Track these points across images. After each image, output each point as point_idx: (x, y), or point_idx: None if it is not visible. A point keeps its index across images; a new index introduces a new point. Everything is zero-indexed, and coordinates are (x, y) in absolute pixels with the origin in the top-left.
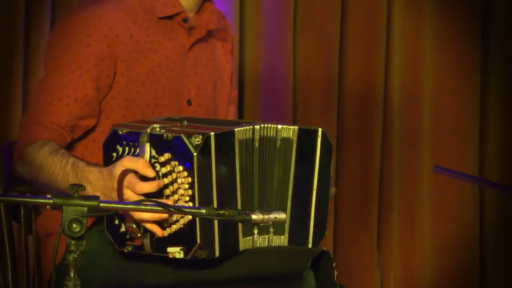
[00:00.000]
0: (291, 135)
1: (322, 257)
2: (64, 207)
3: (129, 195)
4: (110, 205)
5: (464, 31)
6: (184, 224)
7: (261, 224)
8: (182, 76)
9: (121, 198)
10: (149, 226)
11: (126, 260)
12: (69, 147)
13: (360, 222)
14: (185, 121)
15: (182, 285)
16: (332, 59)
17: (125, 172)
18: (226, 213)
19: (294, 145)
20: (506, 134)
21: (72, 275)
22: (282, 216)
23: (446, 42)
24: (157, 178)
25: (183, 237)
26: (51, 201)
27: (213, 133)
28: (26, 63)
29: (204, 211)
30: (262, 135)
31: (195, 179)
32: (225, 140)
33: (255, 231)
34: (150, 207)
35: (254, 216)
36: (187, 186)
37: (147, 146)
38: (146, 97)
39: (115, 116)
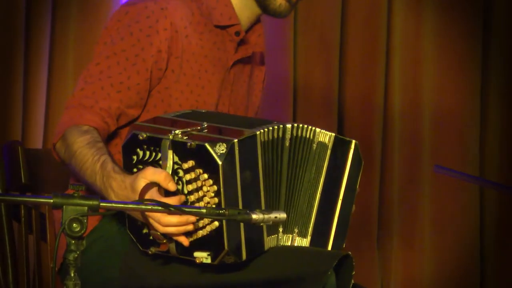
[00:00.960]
0: (327, 141)
1: (345, 261)
2: (64, 206)
3: (152, 214)
4: (110, 204)
5: (464, 31)
6: (211, 230)
7: (261, 224)
8: (221, 89)
9: (144, 214)
10: (175, 237)
11: (142, 257)
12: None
13: (361, 221)
14: (205, 122)
15: (203, 285)
16: (333, 60)
17: (147, 187)
18: (227, 212)
19: (328, 152)
20: (506, 134)
21: (72, 275)
22: (282, 215)
23: (446, 43)
24: (181, 184)
25: (210, 243)
26: (51, 201)
27: (236, 140)
28: (26, 63)
29: (204, 211)
30: (295, 135)
31: (221, 188)
32: (248, 144)
33: (280, 229)
34: (150, 207)
35: (254, 216)
36: (212, 194)
37: (170, 153)
38: (189, 98)
39: (156, 111)
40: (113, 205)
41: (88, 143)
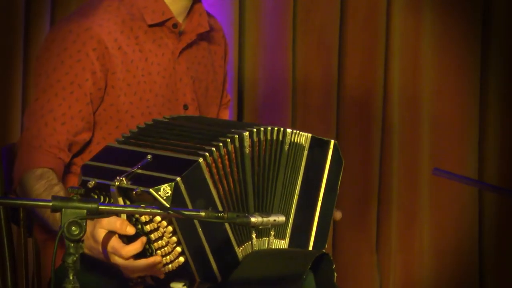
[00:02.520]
0: (303, 141)
1: (323, 260)
2: (63, 209)
3: (117, 260)
4: (109, 207)
5: (464, 32)
6: (178, 267)
7: (260, 227)
8: (175, 82)
9: (110, 262)
10: (140, 274)
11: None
12: (68, 162)
13: (360, 224)
14: (149, 155)
15: None
16: (332, 61)
17: (108, 236)
18: (225, 215)
19: (305, 152)
20: (506, 136)
21: (71, 278)
22: (281, 218)
23: (446, 44)
24: (139, 224)
25: (183, 273)
26: (51, 204)
27: (179, 178)
28: (26, 65)
29: (203, 214)
30: (256, 139)
31: (176, 226)
32: (193, 176)
33: (253, 236)
34: (149, 210)
35: (253, 219)
36: (170, 234)
37: (120, 200)
38: (139, 106)
39: (108, 127)
40: (112, 208)
41: (45, 190)
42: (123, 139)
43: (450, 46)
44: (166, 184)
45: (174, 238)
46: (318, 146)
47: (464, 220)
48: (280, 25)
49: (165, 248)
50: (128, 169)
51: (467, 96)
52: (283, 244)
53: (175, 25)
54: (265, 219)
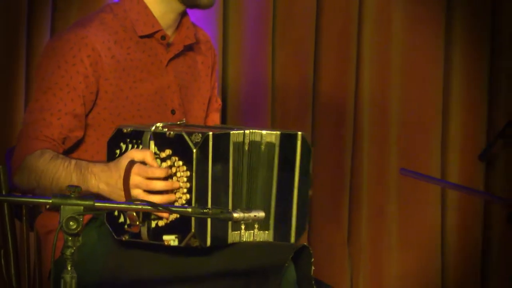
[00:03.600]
0: (273, 139)
1: (303, 252)
2: (62, 206)
3: (137, 181)
4: (104, 204)
5: (428, 44)
6: (177, 217)
7: (242, 222)
8: (163, 89)
9: (126, 186)
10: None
11: (122, 254)
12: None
13: (332, 219)
14: (184, 122)
15: (174, 276)
16: (307, 70)
17: (132, 163)
18: (210, 211)
19: (277, 149)
20: (466, 137)
21: (69, 268)
22: (261, 214)
23: (411, 54)
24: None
25: (179, 227)
26: (50, 201)
27: (211, 133)
28: (28, 68)
29: (190, 210)
30: (250, 140)
31: (193, 173)
32: (222, 141)
33: (242, 227)
34: (140, 206)
35: (235, 215)
36: (185, 179)
37: (151, 144)
38: (131, 110)
39: (102, 129)
40: (107, 205)
41: (51, 158)
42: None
43: (415, 57)
44: (198, 133)
45: (188, 184)
46: (287, 140)
47: (428, 216)
48: (261, 37)
49: (176, 195)
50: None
51: (430, 102)
52: (267, 234)
53: (163, 37)
54: (246, 214)
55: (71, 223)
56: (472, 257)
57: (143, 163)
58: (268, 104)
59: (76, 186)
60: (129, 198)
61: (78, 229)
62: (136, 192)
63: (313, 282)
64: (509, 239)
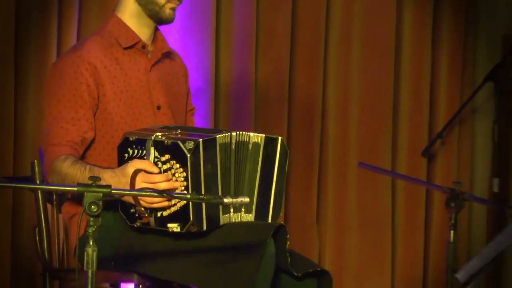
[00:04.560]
0: (259, 141)
1: (280, 230)
2: (85, 193)
3: (143, 186)
4: (118, 191)
5: (380, 59)
6: (180, 207)
7: (230, 206)
8: (149, 89)
9: (136, 197)
10: (156, 205)
11: (134, 234)
12: (82, 156)
13: (304, 203)
14: (179, 130)
15: (176, 252)
16: (284, 80)
17: (136, 171)
18: (205, 197)
19: (261, 149)
20: (413, 137)
21: (91, 243)
22: (246, 199)
23: (367, 67)
24: (160, 173)
25: (179, 216)
26: (76, 189)
27: (201, 139)
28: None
29: (188, 196)
30: (237, 140)
31: (189, 174)
32: (210, 144)
33: (231, 210)
34: (149, 193)
35: (225, 200)
36: (182, 178)
37: (152, 150)
38: (125, 108)
39: (105, 127)
40: (121, 192)
41: (72, 164)
42: (157, 126)
43: (371, 69)
44: (190, 141)
45: (185, 183)
46: (270, 143)
47: (381, 201)
48: (246, 52)
49: (176, 190)
50: (161, 133)
51: (383, 107)
52: (250, 217)
53: (143, 46)
54: (234, 200)
55: (92, 206)
56: (417, 233)
57: (144, 171)
58: (252, 107)
59: (96, 177)
60: (134, 198)
61: (98, 212)
62: (141, 201)
63: (287, 254)
64: (445, 219)
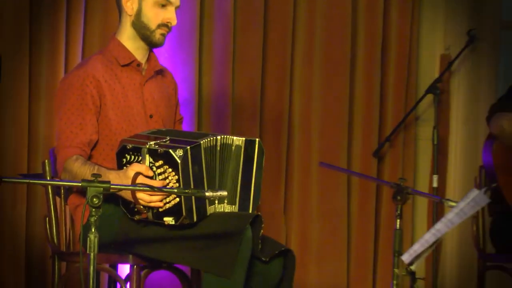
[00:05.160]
0: (241, 143)
1: (257, 219)
2: (88, 188)
3: (140, 195)
4: (116, 186)
5: (338, 75)
6: (174, 204)
7: (211, 198)
8: (143, 101)
9: (133, 191)
10: (153, 204)
11: (132, 223)
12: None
13: (273, 196)
14: (168, 136)
15: (169, 238)
16: (256, 91)
17: (136, 174)
18: (190, 191)
19: (242, 150)
20: (365, 140)
21: (93, 230)
22: (224, 193)
23: (328, 82)
24: (155, 175)
25: (174, 211)
26: (80, 184)
27: (189, 147)
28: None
29: (176, 190)
30: (222, 142)
31: (180, 176)
32: (196, 149)
33: (216, 202)
34: (142, 188)
35: (207, 193)
36: (175, 180)
37: (147, 156)
38: (122, 116)
39: (105, 132)
40: (119, 186)
41: (82, 164)
42: (145, 132)
43: (330, 86)
44: (180, 149)
45: (177, 184)
46: (249, 145)
47: (338, 195)
48: (224, 68)
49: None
50: (154, 142)
51: (340, 114)
52: (234, 207)
53: (138, 65)
54: (214, 193)
55: (94, 199)
56: (368, 222)
57: (142, 174)
58: (230, 115)
59: (98, 174)
60: (134, 197)
61: (99, 204)
62: (141, 195)
63: (259, 241)
64: (392, 210)
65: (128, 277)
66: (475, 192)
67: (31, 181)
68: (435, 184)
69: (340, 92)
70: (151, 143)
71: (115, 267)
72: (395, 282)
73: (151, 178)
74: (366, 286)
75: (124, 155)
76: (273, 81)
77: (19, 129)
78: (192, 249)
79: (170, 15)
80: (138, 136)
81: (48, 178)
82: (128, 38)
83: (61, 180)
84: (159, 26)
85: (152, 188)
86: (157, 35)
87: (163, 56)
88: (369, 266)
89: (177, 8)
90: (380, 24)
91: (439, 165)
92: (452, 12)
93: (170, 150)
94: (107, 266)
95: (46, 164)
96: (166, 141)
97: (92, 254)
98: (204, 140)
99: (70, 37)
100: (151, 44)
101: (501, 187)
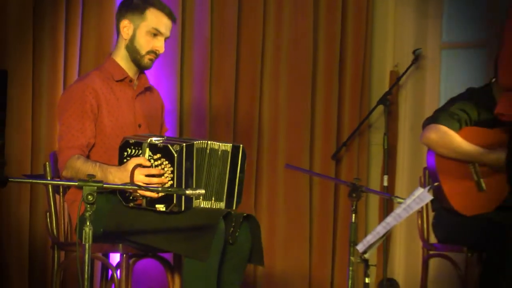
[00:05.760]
0: (228, 149)
1: (228, 214)
2: (84, 186)
3: (140, 178)
4: (108, 185)
5: (301, 89)
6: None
7: (191, 196)
8: (134, 112)
9: (132, 180)
10: (148, 194)
11: (122, 213)
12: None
13: (245, 193)
14: (165, 137)
15: (155, 228)
16: (231, 102)
17: (135, 167)
18: (172, 189)
19: (230, 154)
20: (324, 144)
21: (88, 223)
22: (202, 191)
23: (292, 93)
24: (152, 167)
25: (165, 200)
26: (77, 183)
27: (184, 144)
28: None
29: (160, 188)
30: (211, 147)
31: (175, 168)
32: (190, 148)
33: (201, 198)
34: (131, 187)
35: (187, 191)
36: (170, 172)
37: (147, 150)
38: (115, 123)
39: (101, 136)
40: (110, 186)
41: (84, 162)
42: (145, 134)
43: (294, 96)
44: (177, 145)
45: (171, 175)
46: (235, 150)
47: (301, 193)
48: (202, 84)
49: (164, 176)
50: (154, 138)
51: (303, 121)
52: (222, 204)
53: (130, 80)
54: (193, 191)
55: (89, 196)
56: (328, 216)
57: (141, 165)
58: (207, 123)
59: (92, 175)
60: (132, 181)
61: (93, 200)
62: (139, 178)
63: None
64: (348, 205)
65: (119, 265)
66: (420, 190)
67: (33, 181)
68: (385, 183)
69: (303, 103)
70: (151, 139)
71: (107, 256)
72: (351, 268)
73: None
74: (326, 272)
75: (126, 148)
76: (245, 93)
77: (23, 135)
78: (176, 238)
79: (159, 44)
80: (139, 135)
81: (49, 178)
82: (122, 58)
83: (60, 180)
84: (148, 52)
85: (139, 187)
86: (146, 59)
87: (149, 71)
88: (329, 255)
89: (166, 38)
90: (338, 44)
91: (389, 166)
92: (399, 34)
93: (169, 145)
94: (100, 255)
95: (47, 166)
96: (164, 139)
97: (87, 244)
98: (197, 141)
99: (68, 55)
100: (139, 67)
101: (442, 186)
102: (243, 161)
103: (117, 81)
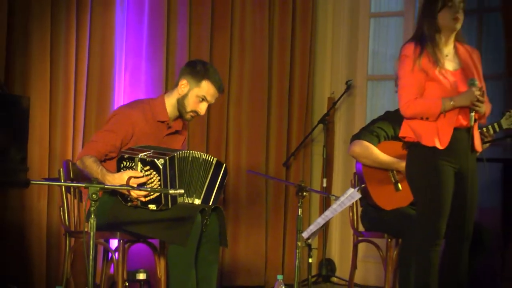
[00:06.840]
0: (212, 160)
1: (204, 210)
2: (89, 187)
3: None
4: (108, 186)
5: (259, 109)
6: (157, 196)
7: (173, 195)
8: (163, 146)
9: (125, 187)
10: (141, 193)
11: (121, 208)
12: (103, 161)
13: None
14: (152, 150)
15: (143, 220)
16: (204, 120)
17: (129, 178)
18: (158, 189)
19: (213, 166)
20: (277, 152)
21: (93, 216)
22: (181, 191)
23: (252, 112)
24: (144, 177)
25: (156, 201)
26: (84, 185)
27: (167, 157)
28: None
29: (149, 188)
30: (192, 156)
31: (161, 177)
32: (172, 160)
33: (185, 196)
34: (126, 188)
35: (170, 191)
36: (157, 180)
37: (139, 163)
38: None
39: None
40: (110, 186)
41: (93, 162)
42: (137, 146)
43: (253, 116)
44: (161, 159)
45: (159, 182)
46: (218, 165)
47: (259, 193)
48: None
49: (153, 184)
50: (143, 153)
51: (260, 130)
52: (198, 201)
53: (169, 126)
54: (176, 191)
55: (93, 195)
56: (280, 210)
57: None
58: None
59: (96, 178)
60: (129, 192)
61: (97, 198)
62: (132, 193)
63: (202, 226)
64: (296, 202)
65: (117, 248)
66: (351, 190)
67: (50, 183)
68: (324, 185)
69: (260, 122)
70: (141, 154)
71: (107, 241)
72: (298, 250)
73: (143, 184)
74: (278, 253)
75: (122, 161)
76: (215, 113)
77: (43, 147)
78: (161, 227)
79: (203, 107)
80: (132, 149)
81: (62, 181)
82: (170, 104)
83: (71, 182)
84: (192, 111)
85: (132, 187)
86: (188, 115)
87: (142, 87)
88: (280, 240)
89: (210, 104)
90: (288, 77)
91: (327, 171)
92: (335, 68)
93: (155, 159)
94: (102, 240)
95: (61, 171)
96: (151, 153)
97: (92, 232)
98: (177, 153)
99: (77, 81)
100: (181, 117)
101: (367, 187)
102: (223, 177)
103: (158, 121)
